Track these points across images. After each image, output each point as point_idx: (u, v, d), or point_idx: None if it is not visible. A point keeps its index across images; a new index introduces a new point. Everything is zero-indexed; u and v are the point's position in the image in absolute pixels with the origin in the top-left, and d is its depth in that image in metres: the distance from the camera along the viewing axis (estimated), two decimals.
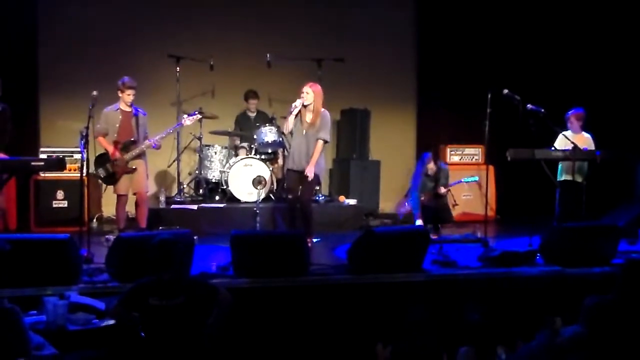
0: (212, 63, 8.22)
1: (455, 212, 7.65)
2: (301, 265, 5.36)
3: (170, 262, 4.00)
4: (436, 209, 7.28)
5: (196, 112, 7.19)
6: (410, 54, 9.64)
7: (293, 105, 6.37)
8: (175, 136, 7.76)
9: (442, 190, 7.29)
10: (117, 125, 6.62)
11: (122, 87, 6.58)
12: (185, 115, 7.15)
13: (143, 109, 6.81)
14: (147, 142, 6.64)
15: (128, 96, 6.59)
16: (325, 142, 6.44)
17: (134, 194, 6.70)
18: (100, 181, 6.78)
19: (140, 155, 6.65)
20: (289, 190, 6.57)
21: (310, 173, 6.32)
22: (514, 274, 5.57)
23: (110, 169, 6.60)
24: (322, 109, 6.42)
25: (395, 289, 5.25)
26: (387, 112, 9.51)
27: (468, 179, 7.59)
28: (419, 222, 7.08)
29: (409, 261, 5.50)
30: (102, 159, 6.63)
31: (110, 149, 6.57)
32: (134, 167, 6.60)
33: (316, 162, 6.34)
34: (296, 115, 6.40)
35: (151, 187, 8.05)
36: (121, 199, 6.67)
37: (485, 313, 4.70)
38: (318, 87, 6.44)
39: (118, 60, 8.36)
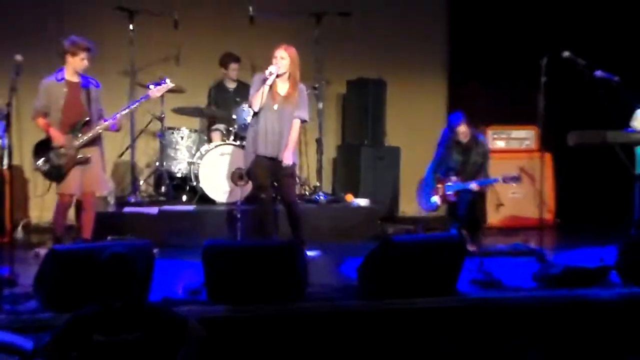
0: (176, 18, 8.16)
1: (500, 215, 7.59)
2: (296, 287, 5.35)
3: (123, 284, 3.98)
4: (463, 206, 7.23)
5: (166, 80, 7.15)
6: (439, 7, 9.63)
7: (267, 72, 6.45)
8: (128, 116, 7.69)
9: (474, 185, 7.20)
10: (63, 101, 6.51)
11: (73, 49, 6.46)
12: (151, 85, 7.09)
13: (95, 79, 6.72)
14: (103, 122, 6.58)
15: (82, 61, 6.49)
16: (304, 121, 6.66)
17: (82, 194, 6.60)
18: (44, 177, 6.64)
19: (95, 141, 6.60)
20: (260, 187, 6.64)
21: (288, 160, 6.46)
22: (581, 298, 5.57)
23: (55, 161, 6.49)
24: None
25: (421, 317, 5.26)
26: (409, 84, 9.55)
27: (508, 179, 7.25)
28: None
29: (439, 281, 5.51)
30: (44, 148, 6.52)
31: (55, 133, 6.47)
32: (87, 156, 6.53)
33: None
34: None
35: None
36: (65, 200, 6.57)
37: (543, 350, 4.68)
38: (294, 51, 6.57)
39: (49, 16, 8.30)
